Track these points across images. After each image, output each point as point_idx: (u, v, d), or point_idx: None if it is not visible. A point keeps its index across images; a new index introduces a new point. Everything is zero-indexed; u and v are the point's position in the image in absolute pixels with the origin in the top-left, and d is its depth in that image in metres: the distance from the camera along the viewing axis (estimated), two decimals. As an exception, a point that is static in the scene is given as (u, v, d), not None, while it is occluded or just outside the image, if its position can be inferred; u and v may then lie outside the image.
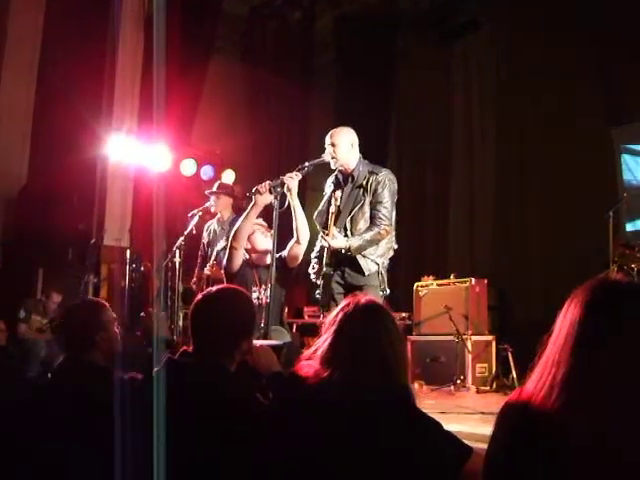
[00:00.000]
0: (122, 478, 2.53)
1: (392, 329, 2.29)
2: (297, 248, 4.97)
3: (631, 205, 7.81)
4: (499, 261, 9.27)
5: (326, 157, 4.98)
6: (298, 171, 4.84)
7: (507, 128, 9.58)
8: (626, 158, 8.29)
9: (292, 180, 4.74)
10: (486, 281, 7.92)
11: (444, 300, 7.65)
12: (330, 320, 2.32)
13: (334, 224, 4.88)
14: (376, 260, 4.86)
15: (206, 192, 6.90)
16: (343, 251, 4.81)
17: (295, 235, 4.94)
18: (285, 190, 4.77)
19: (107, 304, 3.50)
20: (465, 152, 10.15)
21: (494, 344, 7.58)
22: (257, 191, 4.78)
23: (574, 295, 1.61)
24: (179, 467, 2.34)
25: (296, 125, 11.43)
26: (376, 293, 4.76)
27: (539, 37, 8.87)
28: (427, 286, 8.12)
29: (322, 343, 2.29)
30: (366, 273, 4.83)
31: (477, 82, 10.10)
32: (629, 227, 8.09)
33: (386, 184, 4.91)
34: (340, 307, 2.33)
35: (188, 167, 9.78)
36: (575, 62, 8.30)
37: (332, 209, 4.93)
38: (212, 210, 6.76)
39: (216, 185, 6.86)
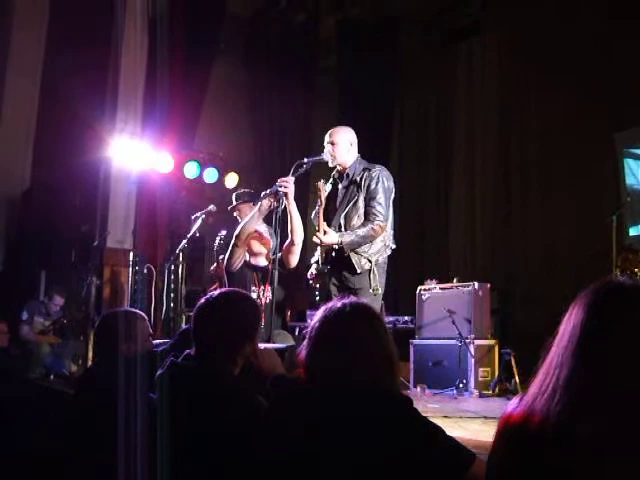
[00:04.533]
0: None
1: (367, 331, 2.18)
2: (292, 248, 5.02)
3: (634, 209, 7.80)
4: (501, 265, 9.27)
5: (325, 156, 5.00)
6: (296, 168, 4.89)
7: (509, 132, 9.59)
8: (629, 162, 8.29)
9: (287, 185, 4.79)
10: (489, 285, 7.91)
11: (447, 304, 7.63)
12: (312, 324, 2.27)
13: (325, 221, 4.86)
14: (369, 257, 4.80)
15: (228, 208, 6.88)
16: (336, 247, 4.78)
17: (290, 236, 5.00)
18: (282, 194, 4.83)
19: (144, 315, 3.49)
20: (467, 155, 10.16)
21: (497, 348, 7.57)
22: (262, 197, 4.86)
23: (579, 297, 1.61)
24: (182, 470, 2.34)
25: (299, 127, 11.44)
26: (369, 296, 4.72)
27: (542, 40, 8.87)
28: (430, 290, 8.10)
29: (305, 348, 2.24)
30: (358, 270, 4.77)
31: (480, 85, 10.11)
32: (632, 231, 8.09)
33: (380, 180, 4.86)
34: (321, 310, 2.27)
35: (191, 170, 9.77)
36: (578, 65, 8.29)
37: (320, 209, 4.87)
38: (239, 220, 6.73)
39: (234, 197, 6.82)
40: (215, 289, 6.51)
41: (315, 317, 2.26)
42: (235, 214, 6.74)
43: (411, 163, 10.95)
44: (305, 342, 2.24)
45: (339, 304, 2.24)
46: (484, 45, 10.07)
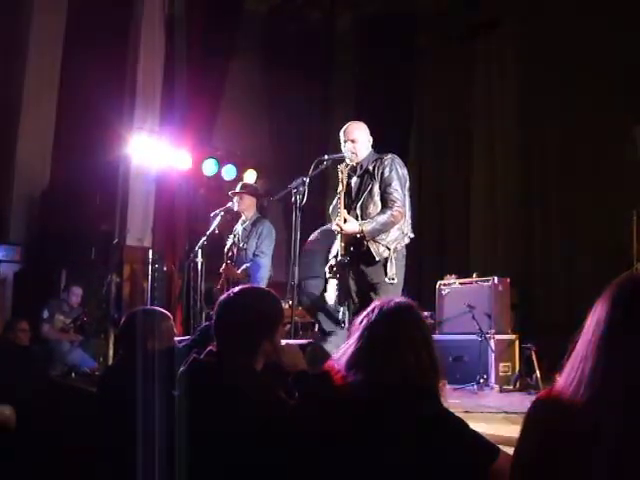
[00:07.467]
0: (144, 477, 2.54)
1: (417, 332, 2.22)
2: None
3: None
4: (521, 260, 9.23)
5: (346, 153, 4.99)
6: (316, 165, 4.95)
7: (529, 126, 9.54)
8: (649, 155, 8.21)
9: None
10: (509, 280, 7.87)
11: (467, 299, 7.60)
12: (356, 324, 2.29)
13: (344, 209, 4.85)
14: (387, 245, 4.77)
15: (229, 193, 6.93)
16: (358, 236, 4.76)
17: None
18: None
19: (168, 314, 3.50)
20: (486, 150, 10.12)
21: (517, 343, 7.54)
22: None
23: (603, 292, 1.61)
24: (202, 467, 2.35)
25: (316, 124, 11.43)
26: (388, 287, 4.70)
27: (560, 34, 8.82)
28: (450, 285, 8.08)
29: (348, 347, 2.26)
30: (377, 259, 4.75)
31: (498, 79, 10.07)
32: (653, 225, 8.01)
33: (393, 167, 4.85)
34: (366, 312, 2.29)
35: (210, 167, 9.81)
36: (598, 58, 8.23)
37: (341, 194, 4.88)
38: (234, 209, 6.78)
39: (239, 185, 6.89)
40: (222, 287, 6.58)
41: (362, 316, 2.29)
42: (235, 199, 6.80)
43: (430, 158, 10.92)
44: (352, 340, 2.25)
45: (392, 304, 2.26)
46: (502, 39, 10.01)
